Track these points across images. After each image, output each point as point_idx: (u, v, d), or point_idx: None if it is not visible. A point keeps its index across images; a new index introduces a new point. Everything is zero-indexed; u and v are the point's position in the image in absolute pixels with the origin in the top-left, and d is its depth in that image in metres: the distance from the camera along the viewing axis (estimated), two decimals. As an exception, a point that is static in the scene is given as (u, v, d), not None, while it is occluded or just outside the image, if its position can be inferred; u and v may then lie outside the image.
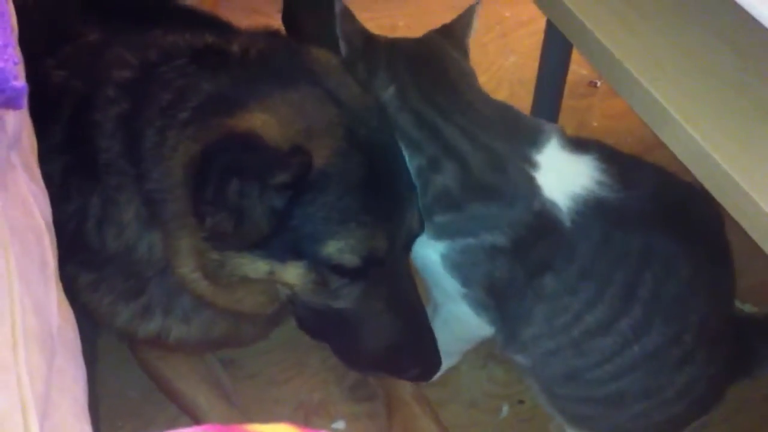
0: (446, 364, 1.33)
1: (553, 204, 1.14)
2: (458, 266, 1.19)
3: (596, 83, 2.06)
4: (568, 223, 1.14)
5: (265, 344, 1.50)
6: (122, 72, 1.15)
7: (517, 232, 1.14)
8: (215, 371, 1.45)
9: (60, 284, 0.87)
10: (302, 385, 1.53)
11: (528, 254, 1.16)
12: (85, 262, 1.20)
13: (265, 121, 1.04)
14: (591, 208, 1.14)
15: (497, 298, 1.22)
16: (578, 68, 2.01)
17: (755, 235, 0.99)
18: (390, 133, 1.16)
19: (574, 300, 1.17)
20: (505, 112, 1.21)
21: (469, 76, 1.24)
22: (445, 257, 1.19)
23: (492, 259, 1.17)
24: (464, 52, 1.26)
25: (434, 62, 1.22)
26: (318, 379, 1.54)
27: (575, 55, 1.70)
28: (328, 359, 1.53)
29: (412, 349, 1.20)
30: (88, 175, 1.15)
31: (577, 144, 1.19)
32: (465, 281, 1.20)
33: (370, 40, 1.21)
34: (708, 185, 1.06)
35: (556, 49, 1.71)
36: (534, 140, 1.17)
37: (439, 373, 1.29)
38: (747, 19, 1.05)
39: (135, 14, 1.29)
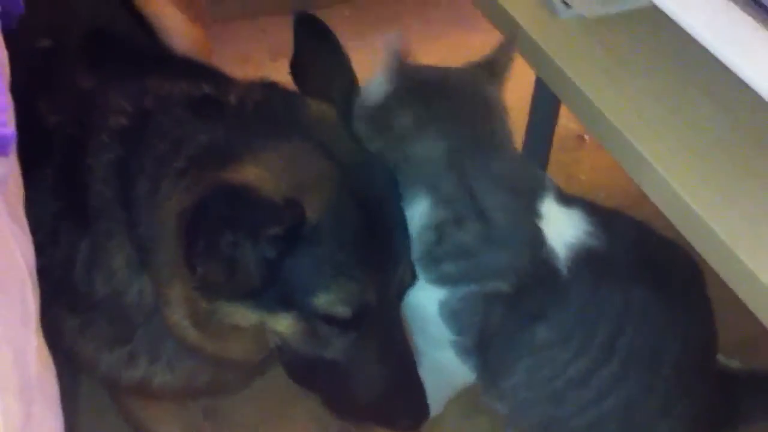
0: (432, 412, 1.29)
1: (554, 252, 1.14)
2: (456, 314, 1.18)
3: (584, 137, 2.09)
4: (564, 272, 1.14)
5: (249, 393, 1.49)
6: (117, 118, 1.15)
7: (522, 280, 1.14)
8: (197, 421, 1.44)
9: (41, 331, 0.86)
10: (285, 434, 1.52)
11: (525, 302, 1.16)
12: (72, 306, 1.18)
13: (258, 174, 1.04)
14: (582, 258, 1.15)
15: (483, 347, 1.21)
16: (567, 122, 2.03)
17: (737, 289, 1.01)
18: (384, 187, 1.16)
19: (561, 351, 1.17)
20: (521, 163, 1.23)
21: (506, 123, 1.22)
22: (443, 304, 1.18)
23: (490, 305, 1.17)
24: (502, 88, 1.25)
25: (485, 116, 1.20)
26: (301, 428, 1.52)
27: (564, 109, 1.72)
28: (311, 409, 1.51)
29: (402, 398, 1.19)
30: (78, 219, 1.14)
31: (564, 196, 1.20)
32: (460, 330, 1.20)
33: (424, 86, 1.17)
34: (691, 239, 1.07)
35: (545, 103, 1.73)
36: (539, 191, 1.18)
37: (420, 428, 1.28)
38: (732, 76, 1.07)
39: (130, 61, 1.29)
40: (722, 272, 1.03)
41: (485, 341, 1.20)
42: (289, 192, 1.04)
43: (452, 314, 1.18)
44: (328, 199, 1.07)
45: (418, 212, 1.15)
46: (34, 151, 1.09)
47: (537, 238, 1.15)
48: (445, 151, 1.14)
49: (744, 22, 1.09)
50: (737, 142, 1.11)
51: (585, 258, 1.15)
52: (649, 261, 1.18)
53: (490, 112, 1.20)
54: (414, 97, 1.16)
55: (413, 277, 1.18)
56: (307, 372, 1.18)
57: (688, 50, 1.16)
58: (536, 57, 1.31)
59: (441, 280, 1.17)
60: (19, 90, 0.93)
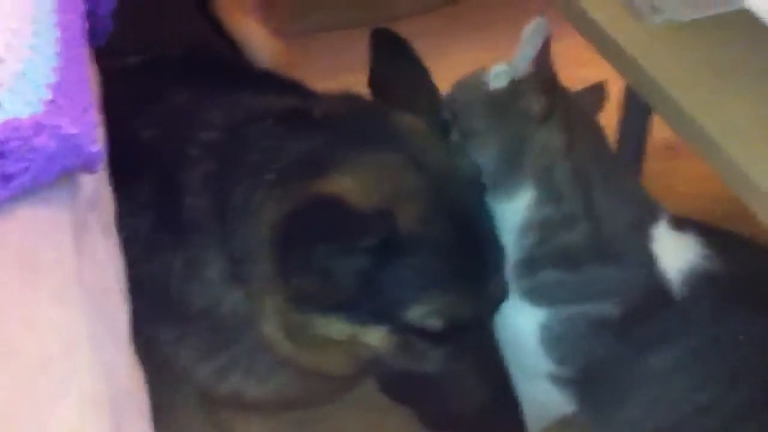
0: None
1: (666, 276, 1.11)
2: (558, 340, 1.14)
3: (677, 147, 2.02)
4: (679, 296, 1.10)
5: (340, 405, 1.49)
6: (209, 132, 1.18)
7: (630, 303, 1.10)
8: (288, 432, 1.45)
9: (131, 344, 0.88)
10: (375, 450, 1.51)
11: (637, 329, 1.12)
12: (167, 318, 1.21)
13: (349, 185, 1.05)
14: (700, 283, 1.11)
15: (591, 377, 1.17)
16: (661, 130, 1.98)
17: None
18: (475, 200, 1.15)
19: (682, 381, 1.12)
20: (633, 182, 1.20)
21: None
22: (545, 328, 1.14)
23: (596, 334, 1.13)
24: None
25: (594, 123, 1.20)
26: (391, 444, 1.51)
27: (656, 118, 1.67)
28: (403, 422, 1.50)
29: (498, 414, 1.18)
30: (173, 232, 1.17)
31: (677, 221, 1.17)
32: (562, 358, 1.16)
33: (554, 78, 1.16)
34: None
35: (637, 111, 1.69)
36: (650, 213, 1.15)
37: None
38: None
39: (219, 76, 1.32)
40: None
41: (592, 371, 1.16)
42: (380, 203, 1.04)
43: (554, 339, 1.14)
44: (420, 210, 1.07)
45: (523, 204, 1.13)
46: (129, 166, 1.12)
47: (648, 260, 1.11)
48: (565, 144, 1.12)
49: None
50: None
51: (703, 283, 1.11)
52: None
53: (600, 130, 1.20)
54: (547, 85, 1.14)
55: (506, 293, 1.16)
56: (400, 386, 1.18)
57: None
58: (625, 64, 1.27)
59: (535, 293, 1.14)
60: (111, 106, 0.96)
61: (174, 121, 1.22)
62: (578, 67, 1.96)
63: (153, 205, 1.19)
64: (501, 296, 1.16)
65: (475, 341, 1.14)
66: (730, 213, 1.24)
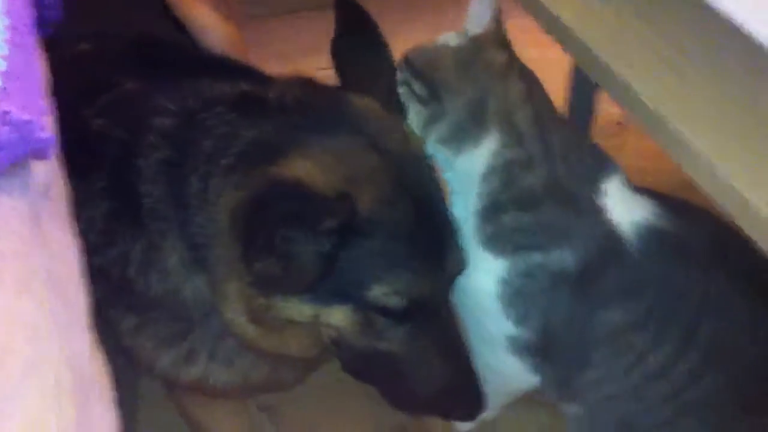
0: (486, 415, 1.31)
1: (620, 229, 1.13)
2: (518, 295, 1.16)
3: (625, 123, 2.06)
4: (634, 251, 1.13)
5: (303, 389, 1.50)
6: (163, 119, 1.17)
7: (587, 252, 1.12)
8: (253, 417, 1.45)
9: (93, 333, 0.88)
10: (341, 430, 1.52)
11: (594, 284, 1.14)
12: (129, 306, 1.21)
13: (308, 168, 1.06)
14: (654, 238, 1.13)
15: (550, 340, 1.19)
16: (608, 107, 2.01)
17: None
18: (430, 177, 1.17)
19: (639, 337, 1.14)
20: (583, 135, 1.22)
21: None
22: (504, 283, 1.16)
23: (555, 289, 1.14)
24: None
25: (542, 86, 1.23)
26: (356, 424, 1.53)
27: (603, 94, 1.70)
28: (366, 404, 1.52)
29: (458, 389, 1.20)
30: (131, 220, 1.16)
31: (630, 184, 1.19)
32: (521, 316, 1.17)
33: (508, 39, 1.21)
34: (745, 227, 1.05)
35: (583, 89, 1.72)
36: (602, 169, 1.17)
37: (477, 420, 1.28)
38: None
39: (171, 63, 1.31)
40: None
41: (554, 334, 1.18)
42: (340, 185, 1.05)
43: (514, 295, 1.16)
44: (379, 191, 1.09)
45: (489, 150, 1.14)
46: (84, 155, 1.12)
47: (600, 211, 1.14)
48: (525, 91, 1.16)
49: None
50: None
51: (656, 239, 1.14)
52: (729, 254, 1.15)
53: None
54: (504, 41, 1.19)
55: (463, 264, 1.18)
56: (363, 365, 1.19)
57: (730, 32, 1.14)
58: (571, 42, 1.30)
59: (498, 239, 1.15)
60: (63, 95, 0.95)
61: (127, 109, 1.21)
62: (526, 47, 1.99)
63: (109, 194, 1.18)
64: (458, 271, 1.18)
65: (434, 317, 1.16)
66: (677, 187, 1.27)
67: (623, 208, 1.14)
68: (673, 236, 1.15)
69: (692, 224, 1.17)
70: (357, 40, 1.25)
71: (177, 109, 1.18)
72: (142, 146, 1.16)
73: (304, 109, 1.15)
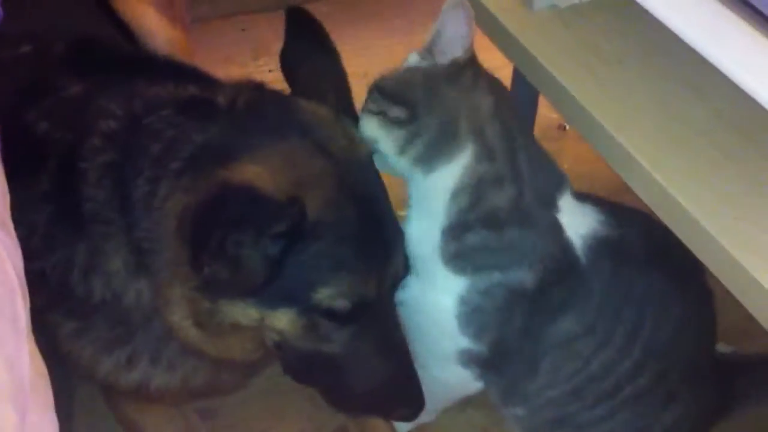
0: (424, 419, 1.33)
1: (571, 244, 1.17)
2: (475, 312, 1.18)
3: (565, 126, 2.10)
4: (583, 262, 1.17)
5: (243, 394, 1.49)
6: (107, 122, 1.15)
7: (545, 269, 1.15)
8: (194, 423, 1.44)
9: (32, 337, 0.87)
10: (281, 433, 1.53)
11: (549, 298, 1.17)
12: (70, 310, 1.19)
13: (258, 173, 1.05)
14: (599, 247, 1.18)
15: (501, 353, 1.22)
16: (548, 112, 2.04)
17: (721, 276, 1.01)
18: (377, 183, 1.18)
19: (586, 344, 1.18)
20: (544, 152, 1.24)
21: None
22: (463, 301, 1.18)
23: (511, 305, 1.17)
24: None
25: (509, 97, 1.26)
26: (297, 427, 1.53)
27: (544, 99, 1.73)
28: (306, 409, 1.52)
29: (399, 389, 1.20)
30: (73, 224, 1.15)
31: (576, 193, 1.23)
32: (476, 332, 1.19)
33: (474, 54, 1.21)
34: (675, 229, 1.08)
35: (524, 94, 1.74)
36: (559, 183, 1.20)
37: (416, 422, 1.30)
38: (711, 66, 1.08)
39: (115, 66, 1.29)
40: (705, 260, 1.04)
41: (506, 348, 1.21)
42: (290, 189, 1.05)
43: (472, 312, 1.18)
44: (327, 195, 1.09)
45: (461, 166, 1.15)
46: (26, 159, 1.10)
47: (557, 228, 1.17)
48: (493, 105, 1.17)
49: (719, 12, 1.10)
50: (718, 132, 1.12)
51: (602, 247, 1.18)
52: (660, 250, 1.19)
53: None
54: (473, 61, 1.19)
55: (406, 269, 1.20)
56: (306, 367, 1.19)
57: (663, 39, 1.17)
58: (513, 49, 1.32)
59: (461, 258, 1.17)
60: (4, 98, 0.93)
61: (70, 112, 1.20)
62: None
63: (51, 198, 1.16)
64: (402, 274, 1.20)
65: (377, 319, 1.16)
66: (612, 192, 1.30)
67: (574, 222, 1.18)
68: (616, 242, 1.19)
69: (631, 227, 1.21)
70: (306, 46, 1.24)
71: (122, 112, 1.16)
72: (86, 149, 1.14)
73: (253, 113, 1.15)
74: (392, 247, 1.17)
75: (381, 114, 1.18)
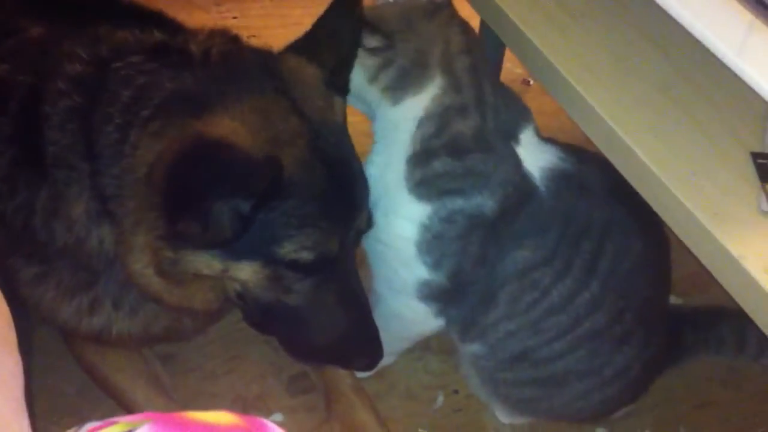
0: (384, 362, 1.35)
1: (530, 174, 1.21)
2: (436, 239, 1.21)
3: (529, 81, 2.11)
4: (542, 193, 1.21)
5: (203, 339, 1.51)
6: (73, 65, 1.13)
7: (505, 195, 1.19)
8: (153, 366, 1.45)
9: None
10: (240, 378, 1.53)
11: (508, 226, 1.20)
12: (31, 255, 1.19)
13: (234, 127, 1.04)
14: (558, 179, 1.22)
15: (460, 283, 1.25)
16: (512, 66, 2.05)
17: (675, 228, 1.04)
18: (347, 145, 1.19)
19: (545, 273, 1.22)
20: (509, 89, 1.29)
21: None
22: (425, 228, 1.21)
23: (471, 233, 1.20)
24: None
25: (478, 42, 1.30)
26: (256, 372, 1.54)
27: (509, 54, 1.74)
28: (266, 353, 1.54)
29: (358, 340, 1.23)
30: (36, 168, 1.13)
31: (539, 133, 1.27)
32: (435, 261, 1.23)
33: None
34: (632, 181, 1.10)
35: (490, 48, 1.74)
36: (521, 119, 1.24)
37: (376, 368, 1.32)
38: (674, 23, 1.09)
39: (77, 8, 1.26)
40: (661, 211, 1.06)
41: (462, 275, 1.24)
42: (266, 148, 1.04)
43: (432, 239, 1.21)
44: (300, 154, 1.08)
45: (430, 95, 1.19)
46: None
47: (516, 158, 1.20)
48: (465, 43, 1.22)
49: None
50: (679, 86, 1.14)
51: (561, 180, 1.22)
52: (622, 192, 1.21)
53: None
54: (450, 5, 1.25)
55: (369, 225, 1.22)
56: (268, 318, 1.20)
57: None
58: (480, 1, 1.32)
59: (425, 184, 1.20)
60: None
61: (33, 54, 1.17)
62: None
63: (13, 141, 1.15)
64: (365, 229, 1.22)
65: (339, 271, 1.17)
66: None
67: (534, 154, 1.22)
68: (576, 177, 1.23)
69: (592, 166, 1.25)
70: (340, 13, 1.21)
71: (88, 56, 1.14)
72: (50, 92, 1.12)
73: (229, 65, 1.13)
74: (358, 205, 1.18)
75: None
